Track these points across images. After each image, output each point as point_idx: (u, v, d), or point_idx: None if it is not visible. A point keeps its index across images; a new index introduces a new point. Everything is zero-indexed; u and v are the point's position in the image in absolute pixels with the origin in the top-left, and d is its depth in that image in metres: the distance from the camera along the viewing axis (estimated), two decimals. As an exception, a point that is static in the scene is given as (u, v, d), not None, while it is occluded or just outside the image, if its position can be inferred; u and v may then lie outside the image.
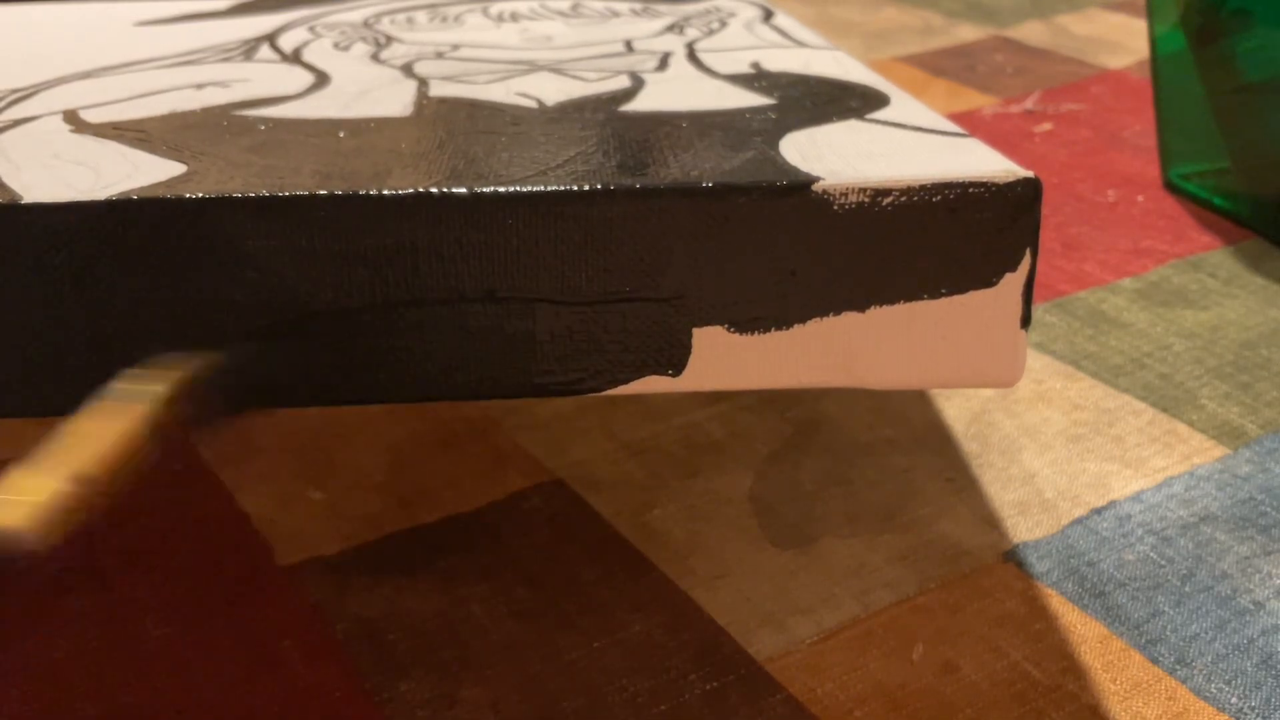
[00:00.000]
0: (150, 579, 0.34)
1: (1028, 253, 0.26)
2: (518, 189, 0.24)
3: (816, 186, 0.25)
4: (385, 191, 0.24)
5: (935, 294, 0.26)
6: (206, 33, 0.41)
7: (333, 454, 0.39)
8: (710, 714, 0.29)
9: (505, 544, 0.35)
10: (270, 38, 0.40)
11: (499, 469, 0.38)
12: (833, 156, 0.27)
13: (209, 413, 0.25)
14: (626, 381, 0.26)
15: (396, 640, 0.32)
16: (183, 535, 0.36)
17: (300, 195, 0.24)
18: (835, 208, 0.25)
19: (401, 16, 0.43)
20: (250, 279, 0.24)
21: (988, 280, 0.26)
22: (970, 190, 0.25)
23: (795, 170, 0.26)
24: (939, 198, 0.25)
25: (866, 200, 0.25)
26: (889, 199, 0.25)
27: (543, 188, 0.25)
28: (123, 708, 0.30)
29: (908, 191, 0.25)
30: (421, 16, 0.43)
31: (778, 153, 0.27)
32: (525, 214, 0.25)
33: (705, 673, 0.31)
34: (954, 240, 0.26)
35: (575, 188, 0.25)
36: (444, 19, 0.43)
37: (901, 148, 0.28)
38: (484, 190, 0.24)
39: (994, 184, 0.25)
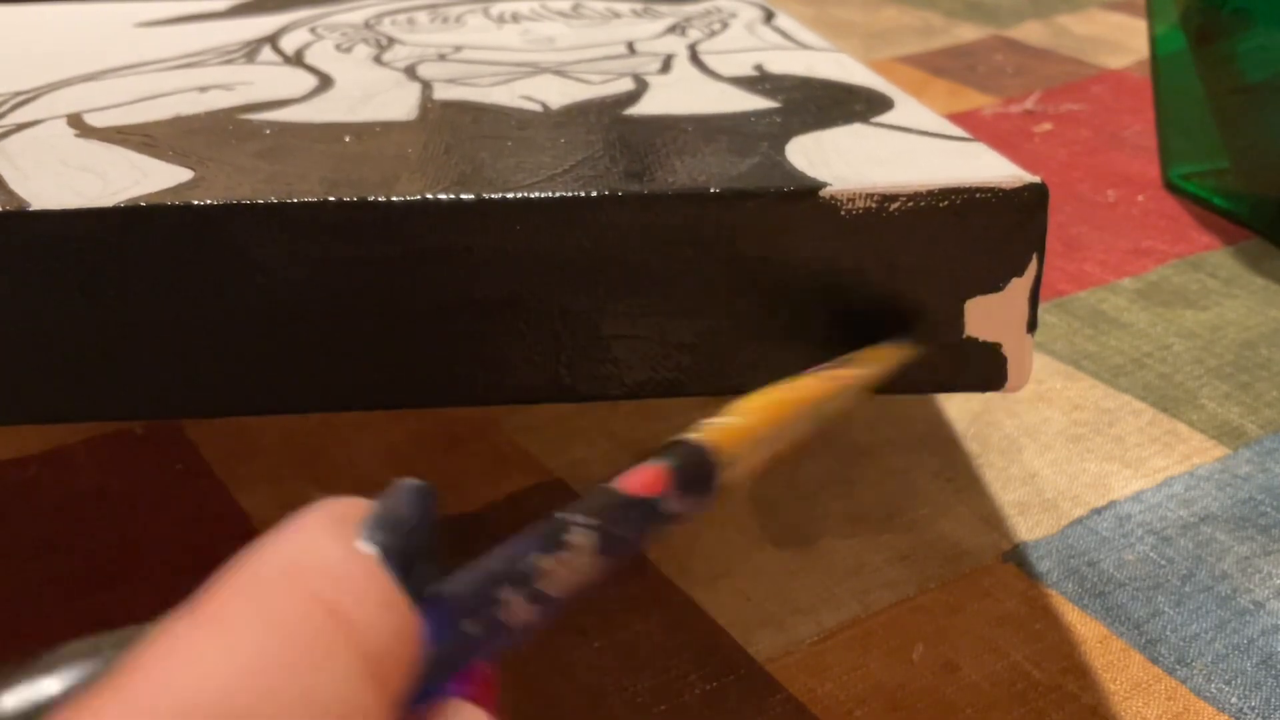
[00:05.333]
0: (150, 580, 0.34)
1: (1034, 258, 0.26)
2: (526, 195, 0.25)
3: (824, 192, 0.25)
4: (394, 198, 0.24)
5: (941, 299, 0.26)
6: (207, 34, 0.41)
7: (333, 454, 0.39)
8: (710, 714, 0.30)
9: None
10: (272, 39, 0.40)
11: (499, 469, 0.38)
12: (839, 162, 0.27)
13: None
14: (635, 388, 0.26)
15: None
16: (183, 535, 0.36)
17: (309, 202, 0.24)
18: (843, 213, 0.25)
19: (402, 17, 0.43)
20: (259, 286, 0.24)
21: (994, 285, 0.26)
22: (977, 196, 0.25)
23: (802, 176, 0.26)
24: (946, 203, 0.25)
25: (874, 206, 0.25)
26: (896, 204, 0.25)
27: (551, 194, 0.25)
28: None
29: (915, 197, 0.25)
30: (422, 17, 0.43)
31: (784, 158, 0.27)
32: (533, 220, 0.25)
33: (705, 673, 0.31)
34: (961, 246, 0.26)
35: (583, 194, 0.25)
36: (445, 20, 0.43)
37: (908, 153, 0.28)
38: (492, 197, 0.24)
39: (1001, 189, 0.25)
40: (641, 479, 0.20)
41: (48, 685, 0.15)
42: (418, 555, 0.16)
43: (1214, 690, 0.30)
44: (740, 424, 0.22)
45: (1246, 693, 0.30)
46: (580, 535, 0.18)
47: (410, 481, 0.17)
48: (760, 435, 0.22)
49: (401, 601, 0.16)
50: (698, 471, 0.20)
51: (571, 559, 0.18)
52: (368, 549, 0.16)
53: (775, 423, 0.22)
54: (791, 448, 0.23)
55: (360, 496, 0.17)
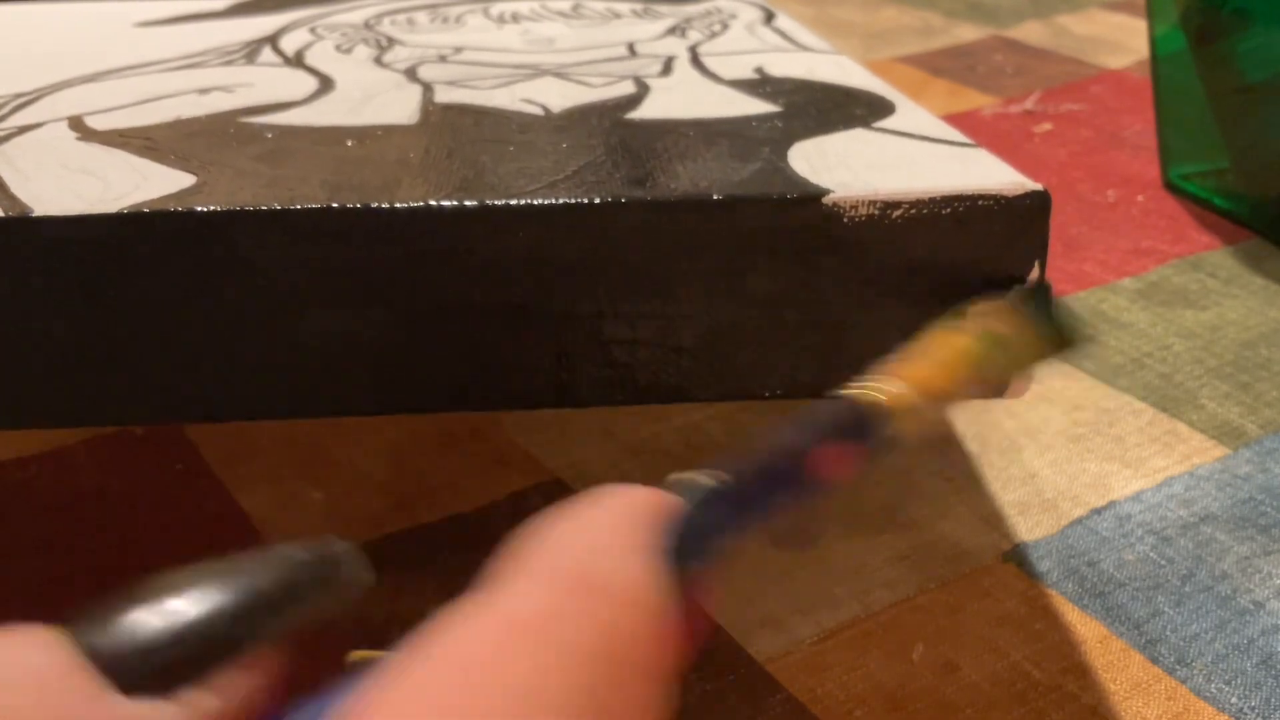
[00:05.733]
0: (152, 579, 0.34)
1: (1036, 264, 0.26)
2: (529, 202, 0.25)
3: (827, 199, 0.25)
4: (396, 204, 0.24)
5: (944, 304, 0.26)
6: (207, 34, 0.41)
7: (333, 454, 0.39)
8: (710, 714, 0.30)
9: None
10: (272, 40, 0.40)
11: (499, 469, 0.38)
12: (841, 167, 0.27)
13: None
14: (637, 393, 0.26)
15: (396, 640, 0.32)
16: (183, 535, 0.36)
17: (311, 208, 0.24)
18: (845, 220, 0.25)
19: (402, 18, 0.43)
20: (260, 291, 0.24)
21: (997, 290, 0.26)
22: (980, 203, 0.25)
23: (805, 182, 0.26)
24: (949, 210, 0.25)
25: (876, 213, 0.25)
26: (899, 211, 0.25)
27: (554, 200, 0.25)
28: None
29: (918, 204, 0.25)
30: (422, 17, 0.43)
31: (787, 164, 0.27)
32: (536, 226, 0.25)
33: (705, 673, 0.31)
34: (963, 251, 0.26)
35: (586, 200, 0.25)
36: (445, 20, 0.43)
37: (910, 158, 0.28)
38: (495, 203, 0.24)
39: (1003, 196, 0.25)
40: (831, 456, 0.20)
41: (179, 608, 0.15)
42: (714, 557, 0.17)
43: (1214, 690, 0.30)
44: (910, 383, 0.22)
45: (1246, 693, 0.30)
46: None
47: (707, 487, 0.17)
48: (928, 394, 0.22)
49: (677, 618, 0.16)
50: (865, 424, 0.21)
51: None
52: (667, 566, 0.16)
53: (943, 380, 0.22)
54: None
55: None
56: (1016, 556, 0.34)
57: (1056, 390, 0.42)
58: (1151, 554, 0.34)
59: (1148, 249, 0.51)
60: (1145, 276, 0.49)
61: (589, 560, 0.16)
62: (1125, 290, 0.48)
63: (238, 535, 0.36)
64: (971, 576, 0.34)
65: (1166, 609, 0.33)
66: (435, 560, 0.35)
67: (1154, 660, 0.31)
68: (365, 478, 0.38)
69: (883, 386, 0.21)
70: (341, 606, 0.16)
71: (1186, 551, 0.34)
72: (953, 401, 0.22)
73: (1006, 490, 0.37)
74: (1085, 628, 0.32)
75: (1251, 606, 0.33)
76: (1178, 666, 0.31)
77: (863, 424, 0.20)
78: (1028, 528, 0.36)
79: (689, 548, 0.17)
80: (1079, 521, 0.36)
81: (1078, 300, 0.47)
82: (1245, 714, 0.29)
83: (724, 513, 0.18)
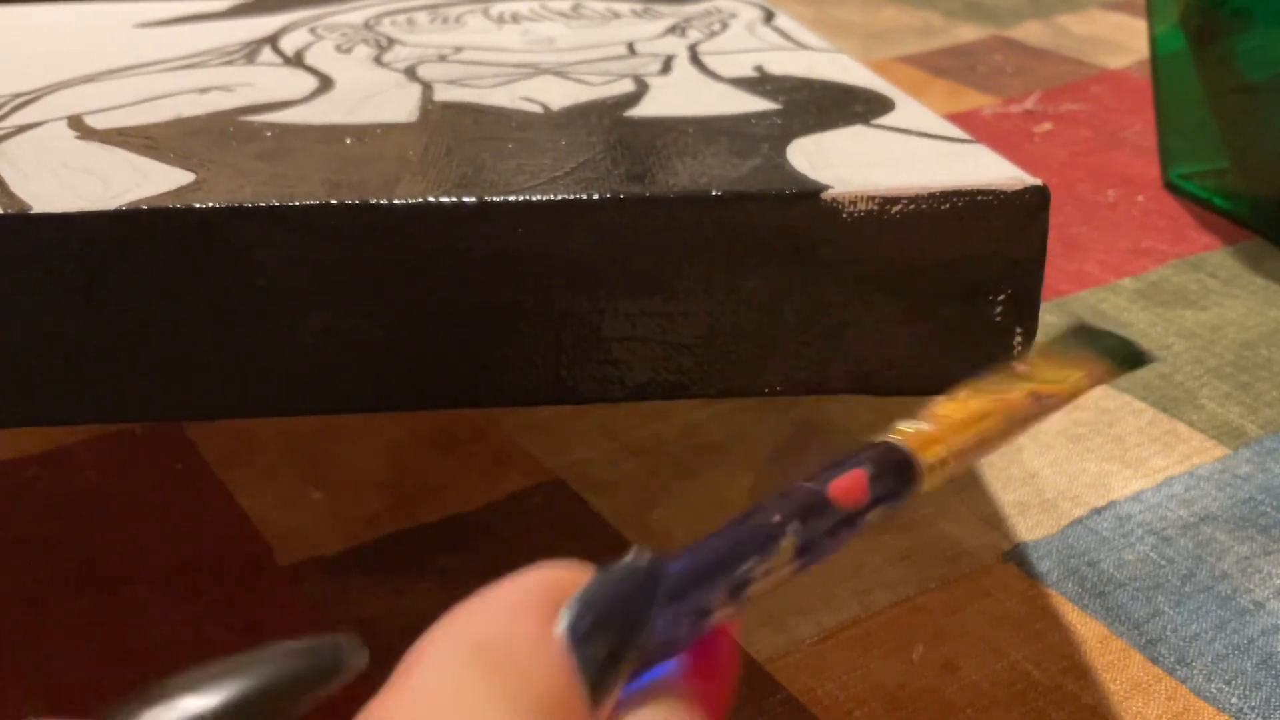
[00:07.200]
0: (150, 580, 0.34)
1: (1036, 259, 0.26)
2: (527, 198, 0.25)
3: (826, 195, 0.25)
4: (395, 201, 0.24)
5: (943, 300, 0.26)
6: (207, 34, 0.41)
7: (333, 454, 0.39)
8: (712, 714, 0.30)
9: (505, 544, 0.35)
10: (272, 40, 0.40)
11: (499, 469, 0.38)
12: (840, 164, 0.27)
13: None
14: (636, 390, 0.26)
15: (396, 640, 0.32)
16: (183, 535, 0.36)
17: (311, 205, 0.24)
18: (844, 216, 0.25)
19: (402, 18, 0.43)
20: (260, 288, 0.24)
21: (996, 286, 0.26)
22: (979, 198, 0.25)
23: (804, 178, 0.26)
24: (947, 205, 0.25)
25: (875, 208, 0.25)
26: (898, 207, 0.25)
27: (552, 196, 0.25)
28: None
29: (916, 199, 0.25)
30: (422, 18, 0.43)
31: (785, 160, 0.27)
32: (535, 223, 0.25)
33: (707, 673, 0.31)
34: (962, 247, 0.26)
35: (585, 196, 0.25)
36: (445, 20, 0.43)
37: (909, 155, 0.28)
38: (493, 200, 0.24)
39: (1002, 191, 0.25)
40: (847, 485, 0.19)
41: (194, 704, 0.15)
42: (626, 642, 0.16)
43: (1214, 690, 0.30)
44: (938, 433, 0.21)
45: (1246, 693, 0.30)
46: (789, 541, 0.18)
47: (630, 564, 0.17)
48: (957, 446, 0.21)
49: (580, 697, 0.15)
50: (898, 480, 0.20)
51: (776, 563, 0.18)
52: (562, 632, 0.16)
53: (973, 434, 0.21)
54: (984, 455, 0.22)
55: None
56: (1016, 556, 0.34)
57: (1056, 390, 0.42)
58: (1151, 554, 0.34)
59: (1148, 249, 0.51)
60: (1145, 276, 0.49)
61: (486, 624, 0.16)
62: (1125, 290, 0.48)
63: (238, 535, 0.36)
64: (971, 576, 0.34)
65: (1166, 609, 0.33)
66: (435, 560, 0.35)
67: (1154, 660, 0.31)
68: (365, 478, 0.38)
69: (916, 446, 0.20)
70: (338, 688, 0.16)
71: (1186, 551, 0.34)
72: (990, 452, 0.22)
73: (1006, 490, 0.37)
74: (1085, 628, 0.32)
75: (1251, 606, 0.33)
76: (1178, 666, 0.31)
77: (889, 484, 0.19)
78: (1028, 528, 0.36)
79: (601, 628, 0.16)
80: (1079, 521, 0.36)
81: (1078, 300, 0.47)
82: (1245, 714, 0.29)
83: (654, 591, 0.16)
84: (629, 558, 0.17)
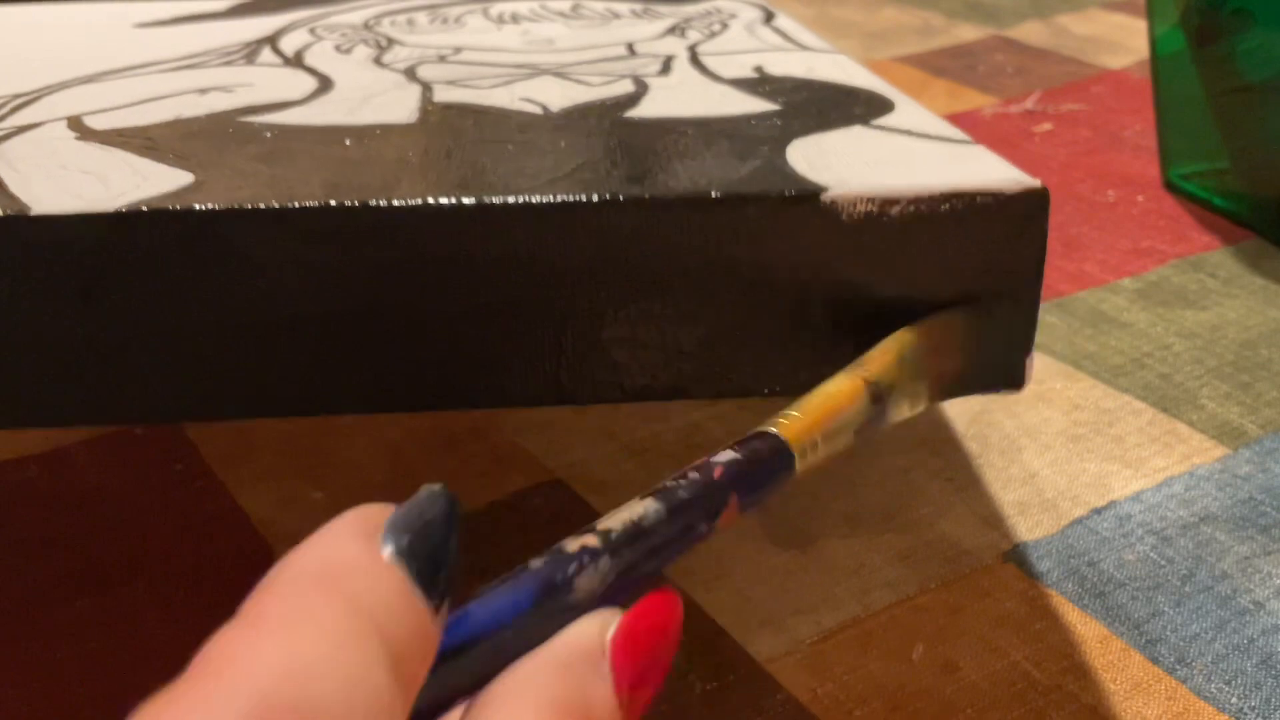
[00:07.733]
0: (150, 580, 0.34)
1: (1035, 261, 0.26)
2: (527, 200, 0.25)
3: (825, 196, 0.25)
4: (395, 203, 0.24)
5: (943, 302, 0.26)
6: (207, 35, 0.41)
7: (333, 454, 0.39)
8: (710, 714, 0.30)
9: (505, 544, 0.35)
10: (271, 40, 0.40)
11: (499, 469, 0.38)
12: (840, 165, 0.27)
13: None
14: (636, 392, 0.26)
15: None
16: (183, 535, 0.36)
17: (310, 206, 0.24)
18: (844, 217, 0.25)
19: (402, 18, 0.43)
20: (259, 289, 0.24)
21: (995, 288, 0.26)
22: (978, 200, 0.25)
23: (803, 180, 0.26)
24: (947, 207, 0.25)
25: (875, 210, 0.25)
26: (897, 208, 0.25)
27: (552, 198, 0.25)
28: (123, 709, 0.30)
29: (916, 201, 0.25)
30: (422, 18, 0.43)
31: (785, 161, 0.27)
32: (535, 225, 0.25)
33: (705, 673, 0.31)
34: (962, 249, 0.26)
35: (584, 198, 0.25)
36: (444, 21, 0.43)
37: (908, 156, 0.28)
38: (493, 201, 0.24)
39: (1002, 194, 0.25)
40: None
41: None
42: (442, 555, 0.18)
43: (1214, 690, 0.30)
44: (804, 418, 0.23)
45: (1246, 693, 0.30)
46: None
47: (431, 487, 0.19)
48: (823, 426, 0.23)
49: (418, 601, 0.17)
50: (771, 461, 0.22)
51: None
52: (389, 551, 0.17)
53: (836, 411, 0.23)
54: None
55: (359, 496, 0.18)
56: (1016, 556, 0.34)
57: (1056, 390, 0.42)
58: (1151, 554, 0.34)
59: (1148, 249, 0.51)
60: (1145, 276, 0.49)
61: (318, 554, 0.17)
62: (1125, 290, 0.48)
63: (237, 535, 0.36)
64: (971, 576, 0.34)
65: (1166, 609, 0.33)
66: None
67: (1154, 660, 0.31)
68: (365, 478, 0.38)
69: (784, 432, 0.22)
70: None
71: (1186, 551, 0.34)
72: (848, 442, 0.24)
73: (1006, 490, 0.37)
74: (1085, 628, 0.32)
75: (1251, 606, 0.33)
76: (1178, 666, 0.31)
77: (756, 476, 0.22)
78: (1028, 528, 0.36)
79: (420, 542, 0.18)
80: (1079, 521, 0.36)
81: (1078, 300, 0.47)
82: (1245, 714, 0.29)
83: (451, 506, 0.18)
84: (422, 490, 0.19)
